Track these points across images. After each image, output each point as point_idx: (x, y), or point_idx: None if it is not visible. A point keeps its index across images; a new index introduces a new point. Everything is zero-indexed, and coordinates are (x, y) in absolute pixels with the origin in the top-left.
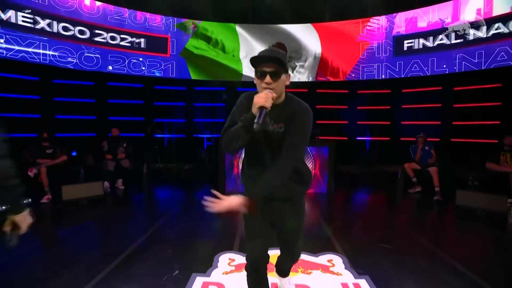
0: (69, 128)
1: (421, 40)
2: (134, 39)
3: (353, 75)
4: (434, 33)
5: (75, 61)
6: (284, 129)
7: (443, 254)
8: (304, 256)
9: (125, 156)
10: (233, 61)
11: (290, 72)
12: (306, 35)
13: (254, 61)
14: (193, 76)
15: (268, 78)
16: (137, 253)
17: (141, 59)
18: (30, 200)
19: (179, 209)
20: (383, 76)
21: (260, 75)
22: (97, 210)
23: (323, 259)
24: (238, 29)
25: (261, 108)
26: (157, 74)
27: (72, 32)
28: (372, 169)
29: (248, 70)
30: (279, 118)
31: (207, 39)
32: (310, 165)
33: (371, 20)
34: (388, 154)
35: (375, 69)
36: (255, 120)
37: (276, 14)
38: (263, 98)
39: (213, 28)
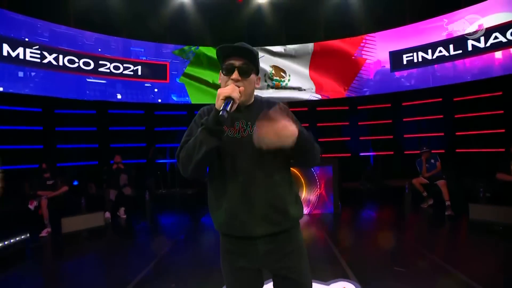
0: (71, 157)
1: (420, 53)
2: (134, 67)
3: (352, 91)
4: (432, 46)
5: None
6: None
7: (463, 276)
8: (314, 286)
9: (127, 183)
10: None
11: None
12: (302, 55)
13: (221, 53)
14: (193, 100)
15: (236, 74)
16: None
17: (143, 85)
18: (28, 235)
19: (184, 235)
20: (382, 91)
21: (227, 70)
22: (98, 242)
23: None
24: None
25: (228, 98)
26: (159, 100)
27: (77, 64)
28: (377, 185)
29: None
30: (254, 118)
31: (206, 64)
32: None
33: (366, 37)
34: (393, 168)
35: (374, 84)
36: (221, 110)
37: (272, 36)
38: (229, 89)
39: (211, 53)
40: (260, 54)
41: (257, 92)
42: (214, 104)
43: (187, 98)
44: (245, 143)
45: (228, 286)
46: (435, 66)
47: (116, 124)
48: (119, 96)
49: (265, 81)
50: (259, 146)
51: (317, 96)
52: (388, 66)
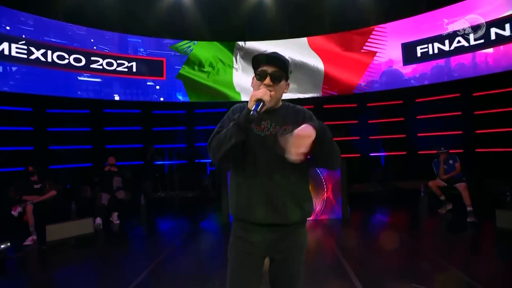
0: (64, 159)
1: (436, 45)
2: (129, 63)
3: (361, 88)
4: (450, 36)
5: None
6: (291, 131)
7: None
8: None
9: (121, 186)
10: (229, 79)
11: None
12: (308, 49)
13: (255, 61)
14: (192, 98)
15: (268, 80)
16: None
17: (144, 83)
18: (8, 244)
19: (182, 241)
20: (393, 86)
21: (260, 76)
22: (86, 251)
23: None
24: (236, 47)
25: (259, 100)
26: (161, 99)
27: (67, 61)
28: (389, 187)
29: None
30: (283, 120)
31: (205, 59)
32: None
33: (376, 28)
34: (406, 169)
35: (384, 79)
36: (252, 110)
37: (274, 29)
38: (261, 92)
39: (210, 48)
40: (263, 49)
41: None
42: (247, 103)
43: (185, 96)
44: (268, 140)
45: (231, 271)
46: (452, 58)
47: (112, 124)
48: (116, 97)
49: None
50: (289, 159)
51: (319, 93)
52: (400, 59)
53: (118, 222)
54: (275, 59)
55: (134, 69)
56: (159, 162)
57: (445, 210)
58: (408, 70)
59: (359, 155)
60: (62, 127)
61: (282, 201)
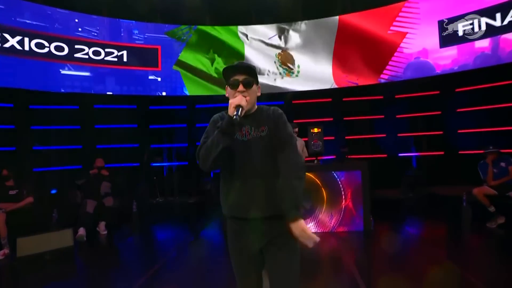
0: (50, 161)
1: (484, 20)
2: (119, 52)
3: (388, 76)
4: (503, 8)
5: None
6: (267, 131)
7: None
8: None
9: (110, 192)
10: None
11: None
12: (324, 33)
13: (226, 73)
14: (191, 91)
15: (241, 87)
16: None
17: (146, 76)
18: None
19: (177, 252)
20: (428, 74)
21: (233, 85)
22: (63, 267)
23: None
24: (241, 31)
25: (238, 106)
26: (163, 93)
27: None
28: (421, 194)
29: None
30: (259, 123)
31: (205, 47)
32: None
33: (406, 4)
34: (443, 172)
35: (416, 65)
36: (234, 115)
37: (285, 11)
38: (237, 99)
39: (211, 33)
40: (270, 34)
41: (269, 83)
42: (225, 112)
43: (183, 89)
44: (249, 144)
45: (234, 266)
46: (503, 36)
47: (104, 122)
48: (106, 91)
49: (277, 68)
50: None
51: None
52: (436, 40)
53: (105, 232)
54: (243, 68)
55: (125, 59)
56: (157, 164)
57: (496, 225)
58: (446, 54)
59: (385, 155)
60: (48, 125)
61: (264, 197)
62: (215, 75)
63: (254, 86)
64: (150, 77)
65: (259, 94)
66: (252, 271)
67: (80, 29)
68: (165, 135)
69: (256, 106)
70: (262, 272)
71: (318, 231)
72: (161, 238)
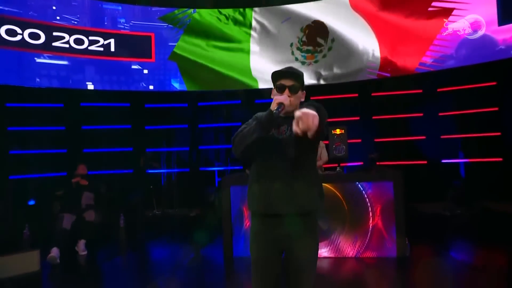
0: (30, 167)
1: None
2: (105, 40)
3: (428, 65)
4: None
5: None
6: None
7: None
8: None
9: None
10: (244, 61)
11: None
12: (349, 12)
13: (274, 76)
14: (190, 86)
15: (287, 92)
16: None
17: (129, 67)
18: None
19: (169, 274)
20: (481, 60)
21: (279, 88)
22: None
23: None
24: (250, 15)
25: (280, 104)
26: (150, 87)
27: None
28: (473, 210)
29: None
30: None
31: (206, 34)
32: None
33: None
34: (502, 184)
35: (465, 50)
36: (275, 110)
37: None
38: (282, 97)
39: (213, 17)
40: (283, 14)
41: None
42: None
43: (180, 84)
44: (284, 142)
45: (253, 265)
46: None
47: (92, 122)
48: (90, 87)
49: (292, 53)
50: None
51: (368, 73)
52: (493, 17)
53: (85, 253)
54: (292, 74)
55: (113, 48)
56: (154, 171)
57: None
58: (507, 35)
59: (425, 162)
60: (27, 125)
61: (292, 195)
62: (218, 67)
63: (300, 93)
64: (141, 69)
65: (303, 99)
66: (271, 272)
67: (58, 17)
68: (163, 137)
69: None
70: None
71: (338, 256)
72: (154, 258)
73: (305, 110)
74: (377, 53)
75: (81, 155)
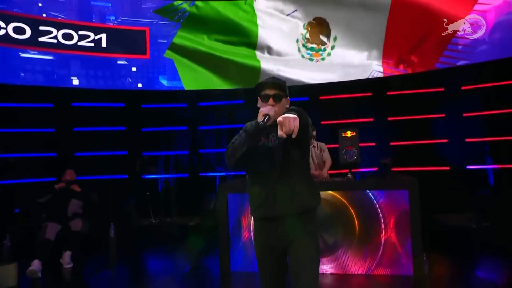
0: (16, 172)
1: None
2: (96, 35)
3: (450, 59)
4: None
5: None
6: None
7: None
8: None
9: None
10: (248, 57)
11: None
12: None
13: (258, 87)
14: (188, 85)
15: (271, 100)
16: None
17: (114, 62)
18: None
19: None
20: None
21: (264, 98)
22: None
23: None
24: (256, 5)
25: (266, 115)
26: (139, 85)
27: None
28: (501, 222)
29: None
30: None
31: (207, 27)
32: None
33: None
34: None
35: (494, 42)
36: (261, 121)
37: None
38: (267, 108)
39: (214, 9)
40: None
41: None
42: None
43: (177, 82)
44: (275, 150)
45: (259, 265)
46: None
47: (84, 123)
48: (75, 82)
49: (298, 49)
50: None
51: (379, 71)
52: None
53: (70, 265)
54: (274, 84)
55: (104, 44)
56: (151, 176)
57: None
58: None
59: (447, 168)
60: (14, 127)
61: (287, 197)
62: (219, 54)
63: (283, 100)
64: (129, 65)
65: (287, 106)
66: (277, 271)
67: (44, 14)
68: (161, 139)
69: None
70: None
71: (346, 273)
72: (146, 271)
73: (285, 115)
74: (389, 46)
75: (72, 159)
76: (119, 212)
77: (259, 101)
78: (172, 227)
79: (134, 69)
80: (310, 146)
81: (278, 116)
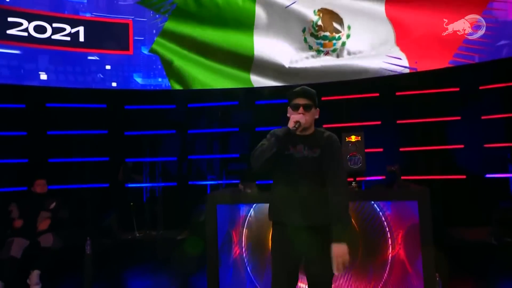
0: None
1: None
2: (73, 28)
3: (466, 56)
4: None
5: None
6: (319, 154)
7: None
8: None
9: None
10: (243, 48)
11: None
12: None
13: (290, 95)
14: (175, 84)
15: (301, 110)
16: None
17: (84, 58)
18: None
19: None
20: None
21: (294, 107)
22: None
23: None
24: None
25: (297, 122)
26: (113, 84)
27: None
28: None
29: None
30: (313, 144)
31: (197, 19)
32: None
33: None
34: None
35: None
36: (292, 127)
37: None
38: (298, 116)
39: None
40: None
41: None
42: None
43: (162, 80)
44: (302, 161)
45: (274, 271)
46: None
47: (60, 126)
48: (43, 77)
49: (305, 40)
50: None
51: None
52: None
53: (39, 286)
54: (305, 93)
55: (82, 38)
56: (135, 185)
57: None
58: None
59: (464, 176)
60: None
61: (307, 208)
62: (211, 61)
63: (313, 110)
64: (90, 58)
65: (317, 116)
66: (292, 277)
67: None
68: (146, 144)
69: (314, 129)
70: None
71: None
72: None
73: (336, 254)
74: (401, 40)
75: (45, 166)
76: (98, 225)
77: (289, 110)
78: (158, 242)
79: (108, 67)
80: None
81: (308, 125)
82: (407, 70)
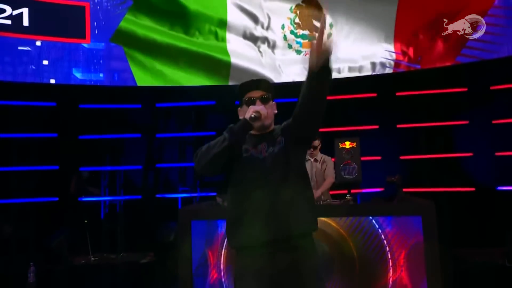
0: None
1: None
2: (15, 10)
3: (474, 52)
4: None
5: None
6: (283, 142)
7: None
8: None
9: None
10: (217, 47)
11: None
12: None
13: (241, 90)
14: (141, 80)
15: (258, 103)
16: None
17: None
18: None
19: None
20: None
21: (248, 103)
22: None
23: None
24: None
25: (256, 112)
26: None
27: None
28: None
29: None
30: (274, 138)
31: (166, 7)
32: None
33: None
34: None
35: None
36: (251, 115)
37: None
38: (258, 106)
39: None
40: None
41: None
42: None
43: (128, 76)
44: (264, 161)
45: None
46: None
47: (4, 129)
48: None
49: (284, 37)
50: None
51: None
52: None
53: None
54: (259, 85)
55: (26, 22)
56: (90, 199)
57: None
58: None
59: (473, 189)
60: None
61: (277, 217)
62: (182, 55)
63: (271, 102)
64: (20, 48)
65: (275, 111)
66: None
67: None
68: (106, 150)
69: (273, 126)
70: None
71: None
72: None
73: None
74: (399, 35)
75: None
76: (44, 247)
77: (240, 110)
78: (118, 267)
79: (46, 62)
80: (311, 159)
81: (268, 121)
82: (408, 67)
